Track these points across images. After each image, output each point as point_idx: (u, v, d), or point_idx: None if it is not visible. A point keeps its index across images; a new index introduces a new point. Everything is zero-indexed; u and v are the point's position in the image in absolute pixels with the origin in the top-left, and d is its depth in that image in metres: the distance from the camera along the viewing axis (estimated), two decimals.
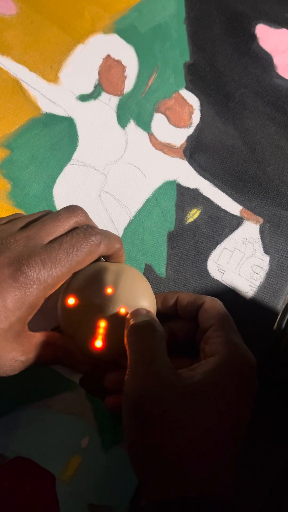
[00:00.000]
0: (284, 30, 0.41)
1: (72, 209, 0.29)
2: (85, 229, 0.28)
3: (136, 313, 0.28)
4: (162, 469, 0.24)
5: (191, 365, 0.27)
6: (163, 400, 0.24)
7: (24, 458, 0.31)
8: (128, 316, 0.28)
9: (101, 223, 0.35)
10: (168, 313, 0.32)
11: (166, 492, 0.23)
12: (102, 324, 0.28)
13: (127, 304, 0.28)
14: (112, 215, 0.36)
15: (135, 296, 0.29)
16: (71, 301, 0.28)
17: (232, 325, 0.29)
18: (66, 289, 0.29)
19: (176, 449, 0.24)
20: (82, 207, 0.35)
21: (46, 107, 0.37)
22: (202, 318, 0.30)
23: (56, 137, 0.37)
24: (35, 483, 0.30)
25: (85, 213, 0.30)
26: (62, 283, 0.27)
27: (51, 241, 0.27)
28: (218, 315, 0.29)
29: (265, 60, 0.40)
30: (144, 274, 0.35)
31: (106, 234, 0.29)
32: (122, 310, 0.28)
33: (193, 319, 0.31)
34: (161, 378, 0.25)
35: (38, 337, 0.27)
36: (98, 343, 0.28)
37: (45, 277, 0.25)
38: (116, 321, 0.28)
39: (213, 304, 0.30)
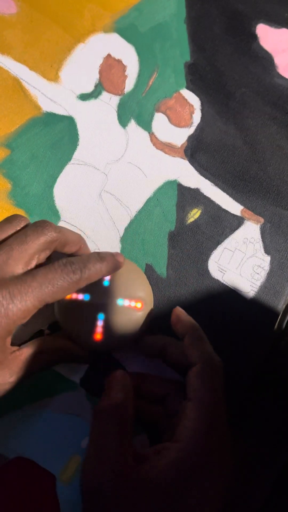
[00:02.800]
0: (284, 29, 0.41)
1: (41, 227, 0.27)
2: (64, 265, 0.26)
3: (115, 378, 0.27)
4: None
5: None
6: (119, 491, 0.23)
7: (24, 458, 0.31)
8: (114, 378, 0.27)
9: (101, 223, 0.35)
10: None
11: None
12: (100, 316, 0.29)
13: (124, 295, 0.29)
14: (112, 214, 0.36)
15: (131, 287, 0.30)
16: (80, 296, 0.29)
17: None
18: None
19: None
20: (83, 206, 0.35)
21: (47, 106, 0.37)
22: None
23: (56, 136, 0.36)
24: (35, 483, 0.30)
25: (55, 228, 0.27)
26: (33, 313, 0.26)
27: (24, 273, 0.25)
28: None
29: (265, 60, 0.40)
30: (145, 274, 0.35)
31: (84, 260, 0.27)
32: (120, 301, 0.29)
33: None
34: (119, 470, 0.23)
35: (25, 352, 0.27)
36: (97, 336, 0.29)
37: (14, 311, 0.24)
38: (114, 313, 0.29)
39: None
